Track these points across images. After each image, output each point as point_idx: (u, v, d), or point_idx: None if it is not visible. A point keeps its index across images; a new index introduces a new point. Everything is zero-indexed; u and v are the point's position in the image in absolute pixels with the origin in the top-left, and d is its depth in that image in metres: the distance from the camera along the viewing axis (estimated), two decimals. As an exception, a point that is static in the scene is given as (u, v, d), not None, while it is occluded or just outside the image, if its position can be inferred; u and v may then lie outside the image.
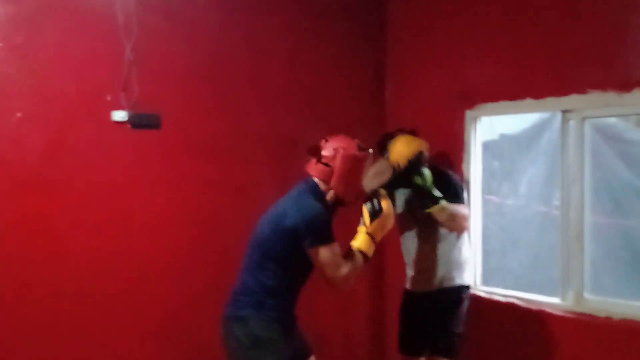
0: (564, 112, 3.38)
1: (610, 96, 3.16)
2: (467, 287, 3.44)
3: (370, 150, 2.78)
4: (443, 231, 3.37)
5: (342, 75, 4.12)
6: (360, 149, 2.72)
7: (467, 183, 3.73)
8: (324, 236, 2.57)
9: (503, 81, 3.61)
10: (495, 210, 3.99)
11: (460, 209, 3.28)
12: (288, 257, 2.61)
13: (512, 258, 3.99)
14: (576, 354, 3.31)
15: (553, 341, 3.40)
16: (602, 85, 3.18)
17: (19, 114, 2.90)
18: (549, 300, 3.46)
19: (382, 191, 2.81)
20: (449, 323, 3.35)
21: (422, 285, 3.43)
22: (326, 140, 2.75)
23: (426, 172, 3.22)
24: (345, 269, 2.58)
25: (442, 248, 3.38)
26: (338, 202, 2.76)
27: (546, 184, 3.79)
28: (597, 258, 3.39)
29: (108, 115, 3.13)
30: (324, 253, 2.55)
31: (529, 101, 3.48)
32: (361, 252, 2.66)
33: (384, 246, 4.07)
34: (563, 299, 3.40)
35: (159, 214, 3.32)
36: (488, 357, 3.68)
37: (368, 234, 2.70)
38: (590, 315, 3.27)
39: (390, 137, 3.41)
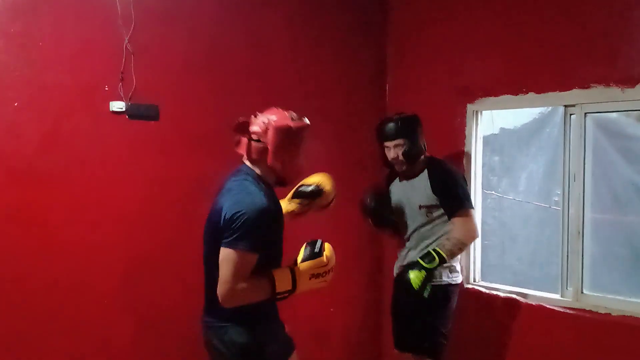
0: (566, 106, 3.36)
1: (613, 91, 3.14)
2: (455, 286, 3.38)
3: (306, 120, 2.53)
4: (431, 228, 3.33)
5: (343, 68, 4.09)
6: (294, 119, 2.47)
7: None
8: (249, 240, 2.23)
9: (505, 75, 3.59)
10: (494, 205, 3.98)
11: (460, 230, 3.22)
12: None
13: (511, 254, 3.98)
14: (575, 349, 3.31)
15: (552, 337, 3.40)
16: (605, 80, 3.16)
17: (15, 104, 2.86)
18: (548, 296, 3.45)
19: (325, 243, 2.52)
20: (434, 322, 3.31)
21: (396, 282, 3.41)
22: (255, 116, 2.49)
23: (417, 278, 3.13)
24: (240, 285, 2.22)
25: (428, 245, 3.32)
26: (278, 182, 2.49)
27: (546, 180, 3.79)
28: (597, 254, 3.39)
29: (106, 106, 3.10)
30: (230, 259, 2.23)
31: (531, 95, 3.46)
32: (273, 281, 2.30)
33: (383, 239, 4.07)
34: (562, 295, 3.40)
35: (155, 206, 3.29)
36: (486, 352, 3.67)
37: (293, 269, 2.36)
38: (589, 312, 3.26)
39: (388, 120, 3.38)
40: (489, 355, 3.66)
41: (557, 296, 3.41)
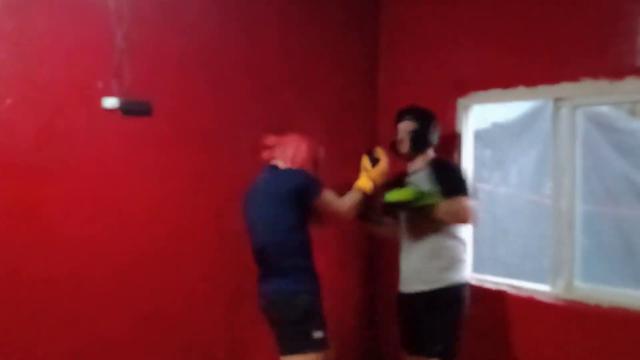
0: (556, 100, 3.39)
1: (603, 84, 3.17)
2: (465, 285, 3.34)
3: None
4: (434, 227, 3.27)
5: (335, 63, 4.11)
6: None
7: None
8: (321, 184, 2.99)
9: (495, 69, 3.61)
10: (486, 198, 4.00)
11: (458, 202, 3.16)
12: (304, 222, 2.94)
13: (502, 246, 4.01)
14: (565, 340, 3.34)
15: (543, 328, 3.42)
16: (595, 73, 3.19)
17: (9, 100, 2.87)
18: (539, 288, 3.48)
19: (378, 147, 3.26)
20: (446, 323, 3.26)
21: (414, 285, 3.34)
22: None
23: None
24: (347, 201, 3.08)
25: (432, 245, 3.29)
26: None
27: (537, 173, 3.81)
28: (588, 246, 3.41)
29: (99, 102, 3.11)
30: (327, 195, 2.99)
31: (521, 89, 3.49)
32: (361, 189, 3.13)
33: (377, 241, 4.09)
34: (553, 287, 3.42)
35: (150, 202, 3.30)
36: (478, 344, 3.70)
37: (369, 177, 3.16)
38: (580, 303, 3.29)
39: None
40: (480, 347, 3.69)
41: (548, 288, 3.44)
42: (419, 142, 3.38)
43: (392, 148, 3.44)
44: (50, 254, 3.01)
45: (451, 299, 3.27)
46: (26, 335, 2.94)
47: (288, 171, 3.03)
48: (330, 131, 3.97)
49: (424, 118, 3.41)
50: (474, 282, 3.73)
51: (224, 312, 3.61)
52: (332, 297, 4.08)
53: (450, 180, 3.25)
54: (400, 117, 3.47)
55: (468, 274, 3.43)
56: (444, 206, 3.13)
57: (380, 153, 3.24)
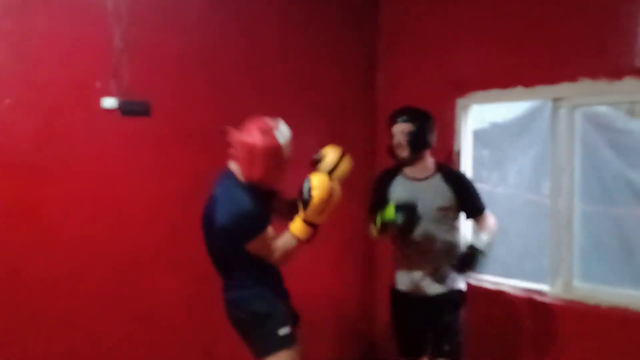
0: (555, 100, 3.39)
1: (601, 84, 3.17)
2: (462, 287, 3.29)
3: (282, 136, 2.68)
4: (445, 230, 3.21)
5: (334, 63, 4.12)
6: (269, 134, 2.64)
7: None
8: (255, 230, 2.63)
9: (494, 69, 3.61)
10: (485, 198, 3.99)
11: (489, 227, 3.21)
12: (239, 251, 2.66)
13: (501, 246, 4.00)
14: (565, 340, 3.34)
15: (542, 328, 3.43)
16: (593, 73, 3.19)
17: (7, 101, 2.87)
18: (539, 288, 3.48)
19: (312, 176, 2.70)
20: (452, 324, 3.22)
21: (416, 289, 3.25)
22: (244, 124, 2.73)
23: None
24: (277, 253, 2.68)
25: (447, 246, 3.22)
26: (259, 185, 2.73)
27: (536, 173, 3.81)
28: (586, 246, 3.42)
29: (98, 102, 3.11)
30: (258, 244, 2.63)
31: (519, 89, 3.49)
32: (294, 236, 2.69)
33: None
34: (552, 287, 3.42)
35: (149, 202, 3.30)
36: (478, 344, 3.70)
37: (303, 220, 2.68)
38: (579, 303, 3.29)
39: (401, 107, 3.32)
40: (479, 347, 3.69)
41: (547, 288, 3.44)
42: (418, 145, 3.22)
43: (389, 153, 3.31)
44: (50, 254, 3.01)
45: (457, 301, 3.26)
46: (26, 335, 2.94)
47: (223, 204, 2.62)
48: (330, 131, 3.97)
49: (420, 118, 3.26)
50: (473, 282, 3.73)
51: (224, 313, 3.60)
52: (331, 296, 4.13)
53: (471, 197, 3.26)
54: (394, 119, 3.29)
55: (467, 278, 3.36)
56: (489, 240, 3.13)
57: (314, 184, 2.67)
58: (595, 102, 3.30)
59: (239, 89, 3.64)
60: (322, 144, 3.89)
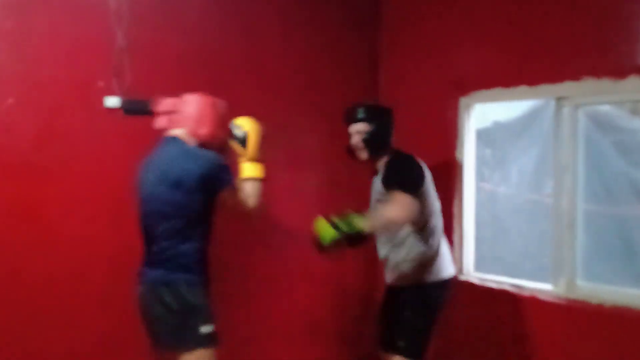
0: (558, 99, 3.38)
1: (605, 83, 3.16)
2: (437, 283, 3.18)
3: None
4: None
5: (336, 63, 4.10)
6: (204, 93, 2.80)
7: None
8: (231, 176, 2.68)
9: (497, 68, 3.60)
10: (487, 198, 4.00)
11: (388, 208, 2.94)
12: (202, 212, 2.67)
13: (503, 245, 4.01)
14: (568, 340, 3.33)
15: (545, 328, 3.42)
16: (597, 72, 3.18)
17: (10, 100, 2.86)
18: (541, 287, 3.47)
19: (235, 120, 2.86)
20: (410, 320, 3.13)
21: (386, 277, 3.27)
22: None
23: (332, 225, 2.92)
24: (252, 198, 2.73)
25: (399, 243, 3.18)
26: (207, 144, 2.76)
27: (538, 172, 3.80)
28: (589, 245, 3.41)
29: (100, 102, 3.09)
30: (234, 191, 2.69)
31: (523, 88, 3.48)
32: (252, 178, 2.76)
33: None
34: (555, 286, 3.42)
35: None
36: (480, 344, 3.70)
37: (249, 160, 2.78)
38: (582, 302, 3.28)
39: (356, 105, 3.19)
40: (482, 347, 3.69)
41: (549, 287, 3.44)
42: (376, 146, 3.13)
43: (349, 154, 3.24)
44: (50, 254, 3.00)
45: (418, 296, 3.15)
46: (26, 335, 2.93)
47: (196, 154, 2.65)
48: (330, 131, 3.96)
49: (377, 116, 3.14)
50: (475, 281, 3.73)
51: (226, 311, 3.59)
52: (332, 292, 4.12)
53: (389, 176, 3.05)
54: (349, 118, 3.19)
55: (445, 273, 3.24)
56: (376, 222, 2.96)
57: (243, 125, 2.82)
58: (599, 101, 3.29)
59: (240, 88, 3.63)
60: (323, 144, 3.90)
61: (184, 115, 2.73)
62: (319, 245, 2.96)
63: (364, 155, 3.16)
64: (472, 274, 3.81)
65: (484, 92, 3.67)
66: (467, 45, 3.76)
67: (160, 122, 2.79)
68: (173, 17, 3.36)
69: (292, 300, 3.92)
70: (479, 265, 3.83)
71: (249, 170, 2.76)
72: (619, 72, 3.11)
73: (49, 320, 2.99)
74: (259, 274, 3.75)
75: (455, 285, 3.37)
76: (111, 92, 3.10)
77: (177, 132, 2.73)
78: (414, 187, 3.00)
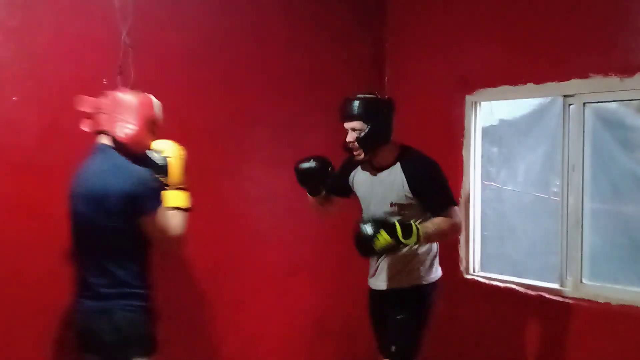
0: (565, 97, 3.36)
1: (612, 81, 3.14)
2: (428, 285, 3.06)
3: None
4: None
5: (341, 59, 4.09)
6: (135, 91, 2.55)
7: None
8: (158, 198, 2.40)
9: (503, 66, 3.59)
10: (493, 196, 3.98)
11: (446, 220, 2.86)
12: (135, 233, 2.40)
13: (510, 244, 3.99)
14: (574, 338, 3.32)
15: (552, 326, 3.41)
16: (604, 69, 3.16)
17: (14, 98, 2.85)
18: (548, 286, 3.46)
19: (154, 144, 2.58)
20: (404, 323, 3.01)
21: (377, 283, 3.14)
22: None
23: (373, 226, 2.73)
24: (175, 229, 2.46)
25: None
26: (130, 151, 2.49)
27: (544, 170, 3.79)
28: (596, 244, 3.40)
29: (104, 99, 3.08)
30: (158, 217, 2.39)
31: (529, 86, 3.46)
32: (177, 207, 2.49)
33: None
34: (562, 285, 3.41)
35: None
36: (486, 343, 3.68)
37: (174, 188, 2.51)
38: (589, 301, 3.28)
39: (350, 99, 2.95)
40: (488, 346, 3.68)
41: (556, 286, 3.42)
42: (372, 145, 2.93)
43: (345, 150, 3.05)
44: (54, 253, 2.98)
45: (411, 298, 3.03)
46: (29, 335, 2.92)
47: (126, 170, 2.40)
48: (337, 129, 3.94)
49: (375, 113, 2.91)
50: (481, 280, 3.72)
51: (231, 310, 3.59)
52: (337, 291, 4.10)
53: (431, 191, 2.91)
54: (343, 114, 2.95)
55: (438, 273, 3.13)
56: (433, 234, 2.82)
57: (163, 148, 2.57)
58: (606, 98, 3.27)
59: (245, 86, 3.62)
60: (329, 141, 3.88)
61: (109, 116, 2.46)
62: (366, 246, 2.75)
63: (360, 155, 2.97)
64: (478, 273, 3.79)
65: (490, 90, 3.66)
66: (473, 42, 3.74)
67: (84, 124, 2.55)
68: (178, 15, 3.34)
69: (297, 299, 3.91)
70: (485, 264, 3.82)
71: (173, 199, 2.48)
72: (627, 69, 3.09)
73: (51, 319, 2.98)
74: (265, 273, 3.74)
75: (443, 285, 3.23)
76: (115, 90, 3.08)
77: (105, 140, 2.49)
78: (453, 196, 2.98)
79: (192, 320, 3.46)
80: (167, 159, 2.50)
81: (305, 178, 3.13)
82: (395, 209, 2.96)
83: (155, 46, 3.26)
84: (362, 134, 2.89)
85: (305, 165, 3.10)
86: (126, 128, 2.45)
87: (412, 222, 2.78)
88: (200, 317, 3.48)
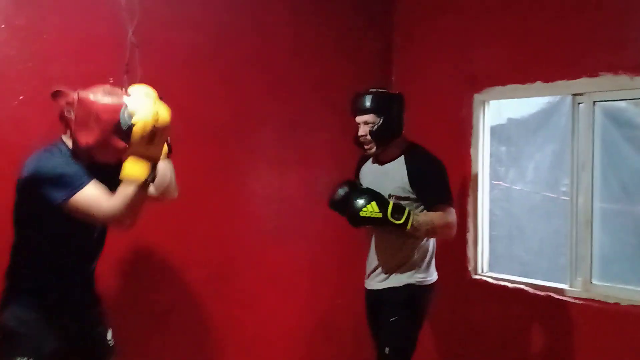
0: (575, 95, 3.33)
1: (622, 79, 3.11)
2: (422, 287, 3.04)
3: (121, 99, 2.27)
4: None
5: (348, 58, 4.07)
6: (103, 94, 2.24)
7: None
8: (69, 183, 2.15)
9: (512, 64, 3.56)
10: (502, 196, 3.96)
11: (440, 217, 2.89)
12: (36, 218, 2.23)
13: (519, 244, 3.97)
14: (584, 339, 3.30)
15: (561, 327, 3.38)
16: (614, 68, 3.14)
17: (20, 97, 2.85)
18: (557, 286, 3.43)
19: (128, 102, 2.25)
20: (396, 326, 3.00)
21: (372, 284, 3.15)
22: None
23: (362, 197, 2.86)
24: (113, 201, 2.13)
25: (390, 243, 3.05)
26: (91, 156, 2.29)
27: (553, 170, 3.77)
28: (606, 244, 3.37)
29: (111, 98, 3.07)
30: (81, 199, 2.13)
31: (538, 84, 3.43)
32: (130, 179, 2.14)
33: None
34: (571, 285, 3.38)
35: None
36: (495, 343, 3.66)
37: (130, 156, 2.15)
38: (598, 301, 3.25)
39: (362, 93, 3.01)
40: (497, 346, 3.65)
41: (566, 286, 3.40)
42: (385, 138, 2.98)
43: (356, 145, 3.10)
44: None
45: (403, 300, 3.02)
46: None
47: (35, 156, 2.26)
48: (343, 128, 3.92)
49: (384, 108, 2.96)
50: (490, 280, 3.69)
51: (235, 310, 3.58)
52: (345, 291, 4.08)
53: (428, 185, 2.95)
54: (356, 108, 3.01)
55: (433, 275, 3.12)
56: (423, 224, 2.85)
57: (137, 105, 2.21)
58: (616, 97, 3.24)
59: (251, 84, 3.61)
60: (335, 140, 3.86)
61: (75, 118, 2.28)
62: (354, 212, 2.86)
63: (373, 149, 3.02)
64: (487, 273, 3.76)
65: (498, 89, 3.63)
66: (482, 40, 3.72)
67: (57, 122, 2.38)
68: (184, 14, 3.34)
69: (302, 299, 3.90)
70: (494, 264, 3.79)
71: (126, 168, 2.15)
72: (637, 68, 3.07)
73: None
74: (270, 273, 3.73)
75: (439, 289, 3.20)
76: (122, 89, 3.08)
77: (66, 138, 2.36)
78: (451, 197, 2.98)
79: (196, 320, 3.45)
80: (133, 122, 2.14)
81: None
82: (393, 200, 2.97)
83: (162, 45, 3.25)
84: (375, 127, 2.95)
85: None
86: (77, 134, 2.27)
87: (406, 207, 2.86)
88: (204, 316, 3.47)
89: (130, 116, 2.16)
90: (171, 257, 3.33)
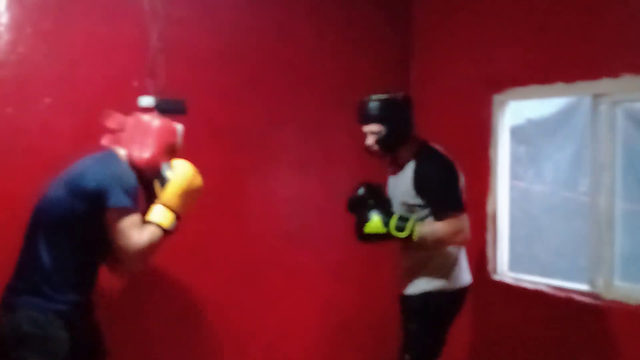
0: (595, 96, 3.32)
1: (644, 80, 3.10)
2: (443, 293, 2.99)
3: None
4: None
5: (367, 60, 4.08)
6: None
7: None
8: (128, 198, 2.30)
9: (532, 65, 3.54)
10: (521, 196, 3.95)
11: (443, 227, 2.84)
12: (82, 226, 2.31)
13: (538, 244, 3.96)
14: (606, 340, 3.27)
15: (582, 328, 3.36)
16: (636, 68, 3.11)
17: (47, 100, 2.89)
18: (578, 287, 3.41)
19: (174, 160, 2.57)
20: (417, 332, 2.98)
21: (400, 288, 3.11)
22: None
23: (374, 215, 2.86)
24: (141, 238, 2.30)
25: (403, 250, 3.05)
26: (141, 173, 2.50)
27: (573, 170, 3.76)
28: (627, 245, 3.35)
29: (135, 101, 3.10)
30: (124, 217, 2.28)
31: (559, 85, 3.41)
32: (157, 225, 2.37)
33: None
34: (592, 286, 3.36)
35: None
36: (514, 345, 3.65)
37: (162, 204, 2.41)
38: (619, 303, 3.22)
39: (366, 101, 2.97)
40: (517, 348, 3.64)
41: (586, 287, 3.38)
42: (392, 146, 2.96)
43: (368, 153, 3.06)
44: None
45: (422, 306, 2.98)
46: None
47: (102, 162, 2.40)
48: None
49: (391, 113, 2.92)
50: (509, 281, 3.68)
51: (258, 311, 3.61)
52: (365, 292, 4.09)
53: (434, 194, 2.88)
54: (360, 117, 2.98)
55: (460, 281, 3.07)
56: (428, 235, 2.82)
57: (174, 167, 2.53)
58: (638, 98, 3.22)
59: (273, 87, 3.64)
60: (355, 141, 3.87)
61: (129, 136, 2.51)
62: (358, 229, 2.92)
63: (380, 156, 3.02)
64: (507, 274, 3.76)
65: (518, 90, 3.62)
66: (501, 41, 3.70)
67: (104, 139, 2.55)
68: (206, 17, 3.37)
69: (324, 300, 3.92)
70: (513, 265, 3.78)
71: (155, 213, 2.40)
72: (659, 68, 3.05)
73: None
74: (292, 274, 3.75)
75: (469, 294, 3.17)
76: (146, 92, 3.12)
77: (118, 148, 2.53)
78: (463, 204, 2.90)
79: (219, 321, 3.48)
80: (170, 176, 2.47)
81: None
82: (405, 208, 2.95)
83: (184, 48, 3.30)
84: (380, 136, 2.91)
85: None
86: (143, 152, 2.48)
87: (412, 218, 2.83)
88: (227, 316, 3.50)
89: (171, 170, 2.48)
90: (194, 258, 3.36)
